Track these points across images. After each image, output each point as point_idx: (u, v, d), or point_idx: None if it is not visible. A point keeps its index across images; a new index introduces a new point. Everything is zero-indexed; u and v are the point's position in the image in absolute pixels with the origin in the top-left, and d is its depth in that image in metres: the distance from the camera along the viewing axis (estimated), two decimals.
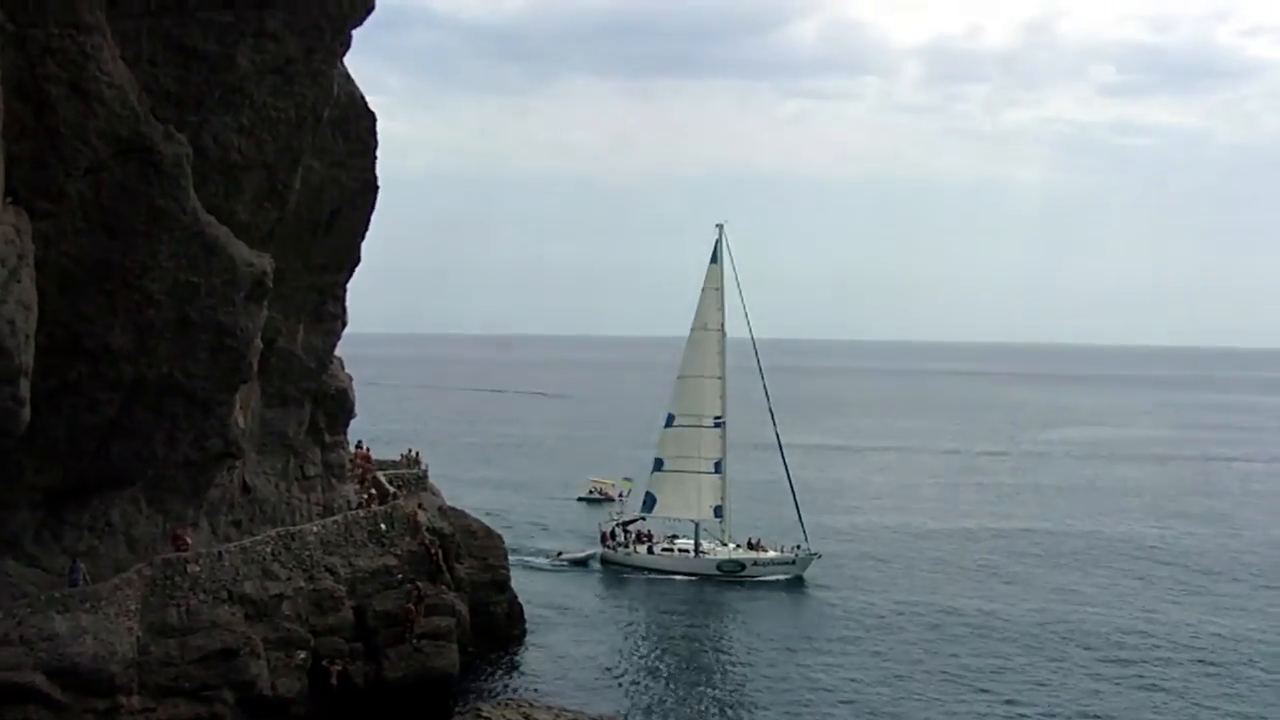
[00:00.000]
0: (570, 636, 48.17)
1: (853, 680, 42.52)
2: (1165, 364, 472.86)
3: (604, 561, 63.25)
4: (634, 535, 64.45)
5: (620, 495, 73.88)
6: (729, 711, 38.91)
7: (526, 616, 48.29)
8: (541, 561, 62.86)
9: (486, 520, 51.69)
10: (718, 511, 64.56)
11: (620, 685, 41.69)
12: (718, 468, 65.02)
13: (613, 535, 64.23)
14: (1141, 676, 43.78)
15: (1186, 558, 67.66)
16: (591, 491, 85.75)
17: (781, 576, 60.45)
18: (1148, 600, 56.70)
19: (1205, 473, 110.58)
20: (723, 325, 65.88)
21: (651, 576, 60.77)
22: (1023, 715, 39.08)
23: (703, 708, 39.25)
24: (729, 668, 44.64)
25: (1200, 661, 45.89)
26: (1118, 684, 42.66)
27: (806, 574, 60.38)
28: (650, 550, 63.30)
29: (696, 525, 64.09)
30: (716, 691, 41.33)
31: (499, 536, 49.19)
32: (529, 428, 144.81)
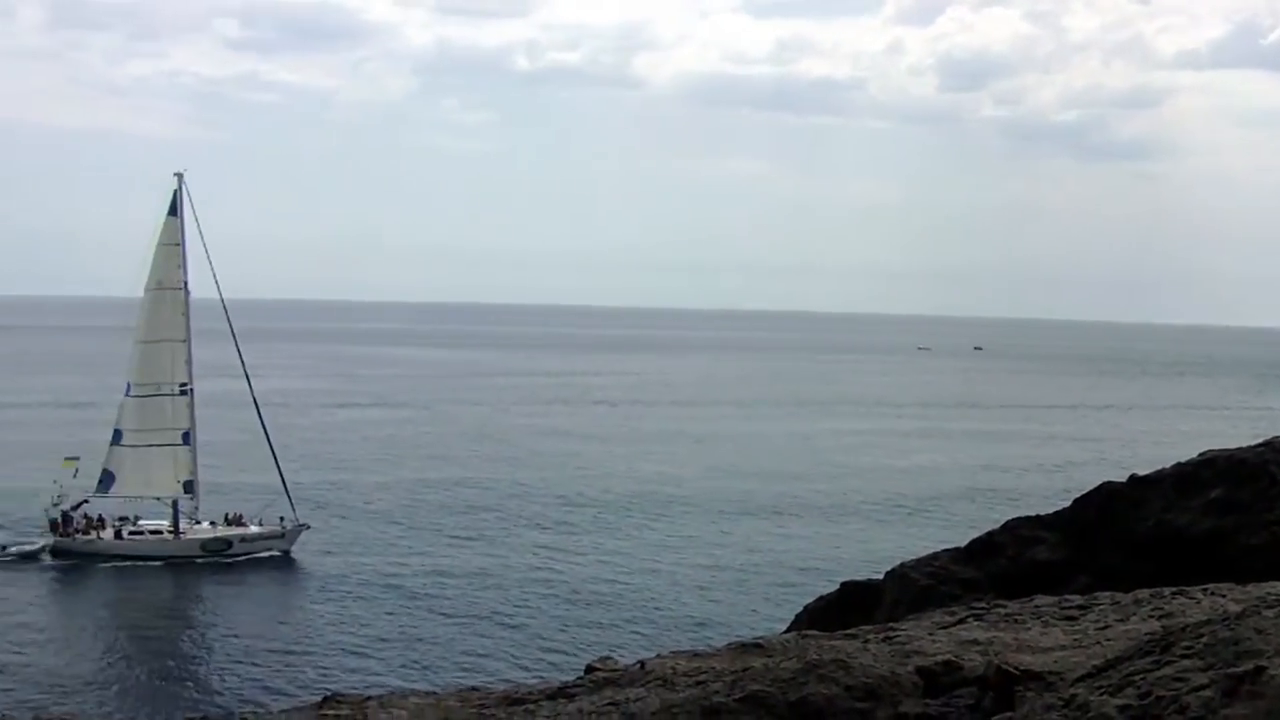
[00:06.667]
0: (20, 641, 42.81)
1: (332, 653, 41.58)
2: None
3: (57, 553, 55.27)
4: (84, 520, 56.96)
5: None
6: (202, 700, 36.47)
7: None
8: None
9: None
10: (188, 487, 59.77)
11: (86, 689, 37.74)
12: (186, 438, 60.32)
13: (65, 521, 56.15)
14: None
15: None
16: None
17: (272, 552, 57.19)
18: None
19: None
20: (185, 284, 61.06)
21: (121, 565, 55.17)
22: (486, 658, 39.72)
23: (173, 698, 36.57)
24: (205, 656, 42.21)
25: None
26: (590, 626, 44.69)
27: (297, 545, 57.44)
28: (119, 535, 57.25)
29: (175, 503, 58.97)
30: (187, 681, 39.10)
31: None
32: None
